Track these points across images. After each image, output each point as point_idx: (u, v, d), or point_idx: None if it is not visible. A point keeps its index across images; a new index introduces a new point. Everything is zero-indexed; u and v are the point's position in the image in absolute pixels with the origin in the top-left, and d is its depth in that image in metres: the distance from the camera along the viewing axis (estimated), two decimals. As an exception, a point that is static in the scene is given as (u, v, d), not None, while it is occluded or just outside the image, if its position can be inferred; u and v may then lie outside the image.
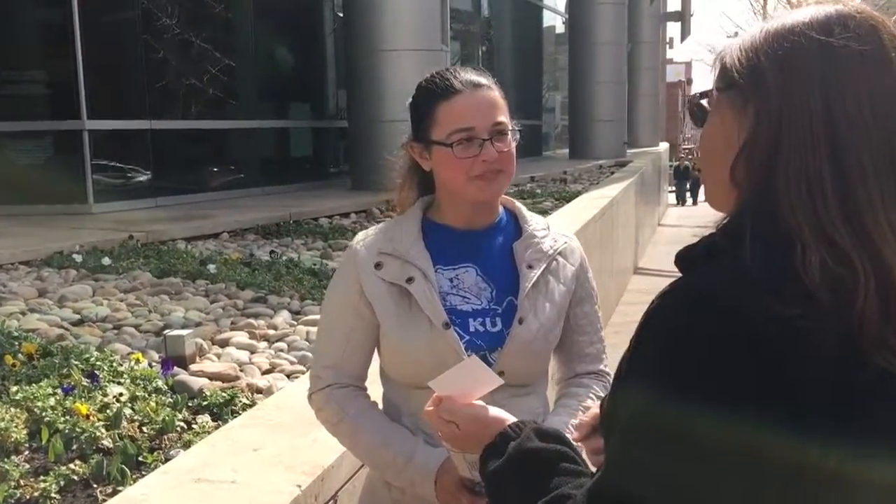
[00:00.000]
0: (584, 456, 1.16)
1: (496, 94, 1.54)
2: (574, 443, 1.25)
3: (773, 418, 0.78)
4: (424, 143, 1.54)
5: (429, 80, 1.56)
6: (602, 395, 1.63)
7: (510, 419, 1.08)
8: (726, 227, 0.89)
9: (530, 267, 1.56)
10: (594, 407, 1.28)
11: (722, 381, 0.79)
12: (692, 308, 0.83)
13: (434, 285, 1.50)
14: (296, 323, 4.12)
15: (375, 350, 1.59)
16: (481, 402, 1.14)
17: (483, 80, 1.54)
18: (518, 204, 1.67)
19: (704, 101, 0.97)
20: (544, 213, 8.00)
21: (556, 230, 1.66)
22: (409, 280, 1.49)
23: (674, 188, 27.27)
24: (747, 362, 0.79)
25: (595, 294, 1.69)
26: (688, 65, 63.93)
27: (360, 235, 1.60)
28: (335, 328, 1.57)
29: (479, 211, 1.57)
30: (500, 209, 1.63)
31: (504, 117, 1.52)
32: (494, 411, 1.11)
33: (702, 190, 25.98)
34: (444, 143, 1.49)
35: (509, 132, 1.53)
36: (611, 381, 1.63)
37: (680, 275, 0.90)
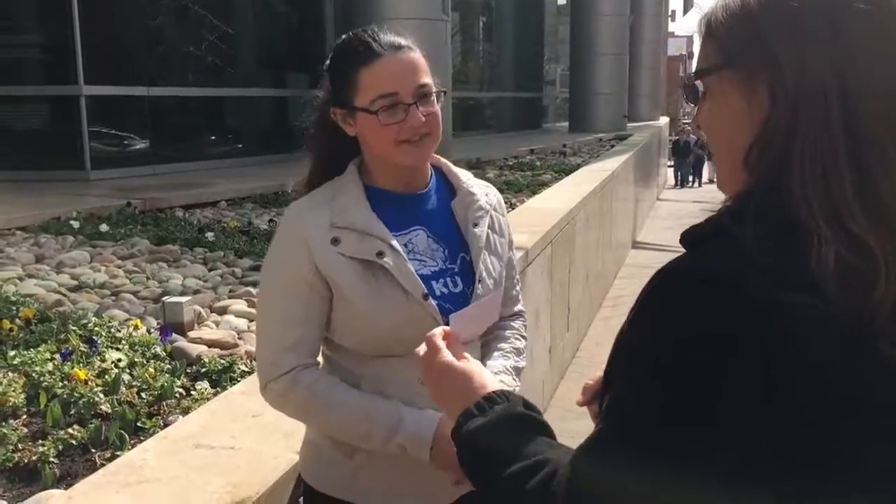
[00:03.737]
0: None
1: (418, 54, 1.48)
2: (578, 406, 1.25)
3: (770, 399, 0.77)
4: (347, 108, 1.47)
5: (346, 42, 1.50)
6: (524, 333, 1.71)
7: (497, 386, 1.05)
8: (733, 208, 0.85)
9: (475, 225, 1.55)
10: (598, 371, 1.27)
11: (720, 364, 0.77)
12: (693, 288, 0.80)
13: (404, 256, 1.46)
14: (294, 292, 4.11)
15: None
16: (478, 362, 1.12)
17: (403, 41, 1.48)
18: (442, 159, 1.63)
19: (699, 83, 0.91)
20: (544, 185, 7.98)
21: (478, 182, 1.65)
22: (380, 254, 1.44)
23: (672, 165, 25.60)
24: (748, 346, 0.77)
25: (512, 238, 1.70)
26: (689, 38, 63.56)
27: (296, 208, 1.51)
28: (290, 307, 1.46)
29: (413, 173, 1.54)
30: (429, 169, 1.59)
31: (428, 79, 1.47)
32: (488, 375, 1.08)
33: (704, 169, 24.85)
34: (368, 110, 1.44)
35: (434, 94, 1.47)
36: (526, 319, 1.73)
37: (681, 252, 0.87)
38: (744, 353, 0.77)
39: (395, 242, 1.46)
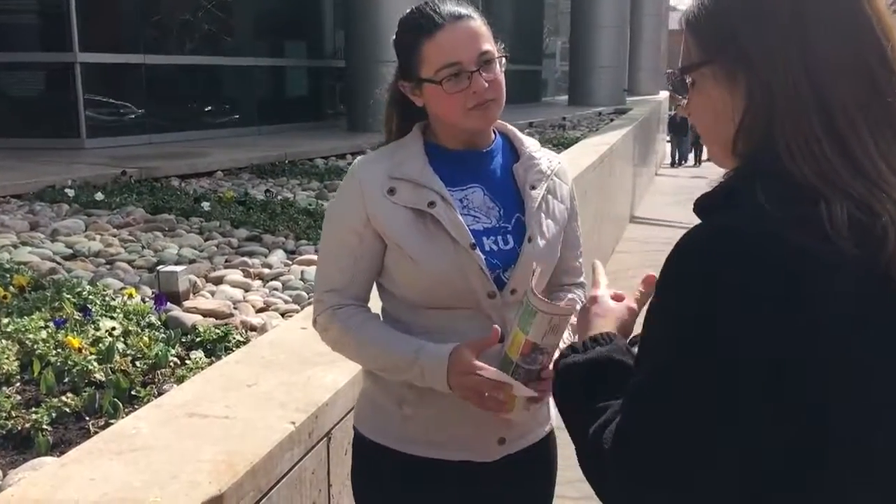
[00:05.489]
0: None
1: (479, 22, 1.53)
2: None
3: (793, 336, 0.80)
4: (414, 80, 1.54)
5: (409, 15, 1.55)
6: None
7: (609, 328, 1.11)
8: (740, 172, 0.90)
9: (533, 187, 1.60)
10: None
11: (753, 311, 0.80)
12: (719, 243, 0.83)
13: (454, 207, 1.52)
14: (291, 262, 4.09)
15: None
16: (607, 303, 1.18)
17: (464, 10, 1.53)
18: (510, 126, 1.70)
19: (688, 77, 0.96)
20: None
21: (545, 150, 1.70)
22: (431, 204, 1.51)
23: (669, 141, 23.70)
24: (777, 290, 0.80)
25: (578, 212, 1.75)
26: (691, 13, 62.92)
27: (360, 161, 1.60)
28: (339, 254, 1.57)
29: (476, 135, 1.60)
30: (493, 132, 1.66)
31: (489, 45, 1.52)
32: (603, 318, 1.14)
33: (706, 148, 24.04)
34: (433, 80, 1.50)
35: (496, 59, 1.52)
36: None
37: (683, 227, 0.92)
38: (777, 296, 0.80)
39: (447, 194, 1.53)
